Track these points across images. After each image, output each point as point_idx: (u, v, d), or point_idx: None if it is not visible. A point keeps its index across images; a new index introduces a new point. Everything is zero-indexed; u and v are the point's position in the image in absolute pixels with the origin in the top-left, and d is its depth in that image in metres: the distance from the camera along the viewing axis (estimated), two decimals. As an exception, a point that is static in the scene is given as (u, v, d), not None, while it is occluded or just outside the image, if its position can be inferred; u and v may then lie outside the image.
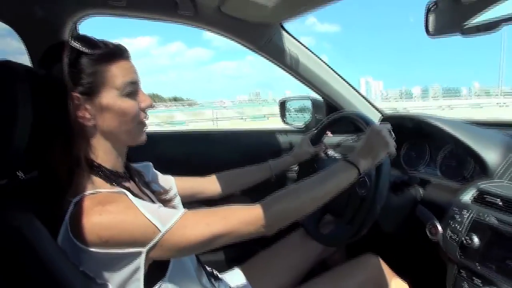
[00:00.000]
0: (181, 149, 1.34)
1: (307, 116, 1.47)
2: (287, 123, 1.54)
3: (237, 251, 1.20)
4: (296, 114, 1.55)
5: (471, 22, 0.64)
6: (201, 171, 1.05)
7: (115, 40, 0.70)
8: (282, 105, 1.54)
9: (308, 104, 1.43)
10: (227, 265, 1.07)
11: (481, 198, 0.79)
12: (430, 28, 0.72)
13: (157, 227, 0.60)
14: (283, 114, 1.54)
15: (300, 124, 1.50)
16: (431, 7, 0.71)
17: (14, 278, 0.56)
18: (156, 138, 1.25)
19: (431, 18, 0.72)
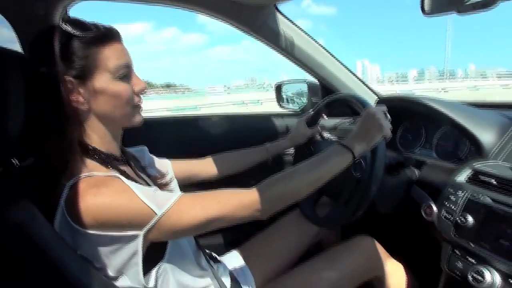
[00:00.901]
0: (176, 133, 1.34)
1: (303, 100, 1.47)
2: (283, 107, 1.53)
3: (234, 234, 1.21)
4: (292, 98, 1.54)
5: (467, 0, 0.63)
6: (197, 155, 1.05)
7: (107, 26, 0.68)
8: (278, 89, 1.53)
9: (304, 87, 1.42)
10: (225, 248, 1.08)
11: (476, 178, 0.80)
12: (426, 7, 0.71)
13: (153, 210, 0.60)
14: (279, 98, 1.53)
15: (296, 107, 1.49)
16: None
17: (13, 264, 0.56)
18: (151, 123, 1.24)
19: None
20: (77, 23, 0.65)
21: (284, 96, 1.53)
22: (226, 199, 0.68)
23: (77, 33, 0.63)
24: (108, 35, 0.67)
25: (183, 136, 1.34)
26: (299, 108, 1.47)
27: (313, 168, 0.77)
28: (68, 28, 0.63)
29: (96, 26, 0.66)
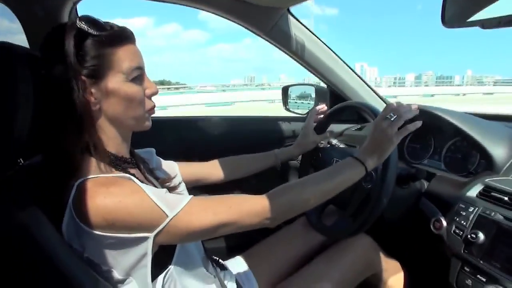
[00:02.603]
0: (182, 135, 1.32)
1: (310, 104, 1.45)
2: (289, 110, 1.51)
3: (237, 239, 1.20)
4: (299, 101, 1.52)
5: (492, 15, 0.62)
6: (203, 157, 1.04)
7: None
8: (285, 91, 1.51)
9: (311, 91, 1.41)
10: (228, 253, 1.07)
11: (487, 194, 0.79)
12: (447, 18, 0.69)
13: (164, 212, 0.59)
14: (285, 101, 1.51)
15: (302, 111, 1.48)
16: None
17: (17, 268, 0.54)
18: (157, 124, 1.22)
19: (449, 7, 0.69)
20: (93, 22, 0.63)
21: (290, 100, 1.51)
22: (237, 205, 0.67)
23: (92, 31, 0.62)
24: (123, 36, 0.66)
25: (188, 137, 1.32)
26: (306, 112, 1.45)
27: (325, 180, 0.76)
28: (84, 26, 0.62)
29: (111, 26, 0.65)
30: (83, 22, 0.62)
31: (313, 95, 1.40)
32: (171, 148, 1.00)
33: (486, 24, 0.62)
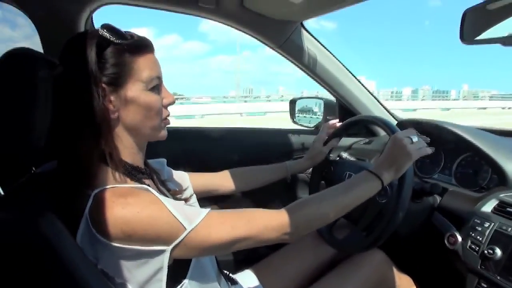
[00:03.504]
0: (191, 146, 1.31)
1: (312, 118, 1.46)
2: (296, 123, 1.51)
3: (246, 252, 1.18)
4: (301, 115, 1.53)
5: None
6: (211, 168, 1.03)
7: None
8: (292, 104, 1.52)
9: (320, 104, 1.42)
10: (236, 267, 1.05)
11: (503, 209, 0.79)
12: (465, 35, 0.70)
13: (182, 225, 0.58)
14: (292, 114, 1.51)
15: (310, 124, 1.48)
16: (468, 12, 0.69)
17: (34, 276, 0.53)
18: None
19: (467, 24, 0.70)
20: (114, 30, 0.63)
21: (297, 112, 1.51)
22: (256, 219, 0.66)
23: (114, 39, 0.62)
24: (143, 45, 0.66)
25: (196, 148, 1.32)
26: (314, 125, 1.46)
27: (342, 194, 0.76)
28: (106, 34, 0.62)
29: (131, 35, 0.66)
30: (105, 30, 0.62)
31: (316, 109, 1.41)
32: (180, 159, 0.99)
33: (508, 41, 0.62)
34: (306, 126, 1.49)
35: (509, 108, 30.20)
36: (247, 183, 1.05)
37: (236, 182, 1.03)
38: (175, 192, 0.81)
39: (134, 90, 0.64)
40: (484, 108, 28.65)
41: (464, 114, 21.31)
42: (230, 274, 0.93)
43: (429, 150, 0.80)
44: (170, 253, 0.59)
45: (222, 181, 1.02)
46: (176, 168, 0.95)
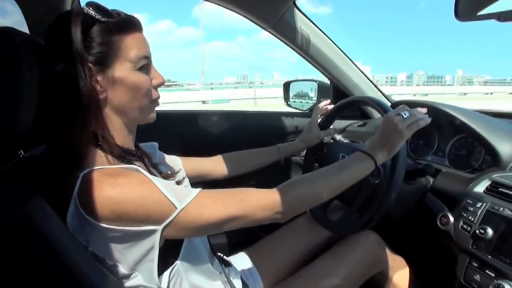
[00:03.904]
0: (183, 130, 1.30)
1: (308, 103, 1.44)
2: (290, 106, 1.50)
3: (240, 235, 1.19)
4: (297, 100, 1.51)
5: (509, 7, 0.61)
6: (204, 152, 1.02)
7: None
8: (286, 87, 1.49)
9: (314, 86, 1.40)
10: (230, 250, 1.05)
11: (495, 189, 0.79)
12: (460, 12, 0.68)
13: (173, 204, 0.58)
14: (286, 97, 1.50)
15: (304, 107, 1.47)
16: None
17: (22, 260, 0.52)
18: (158, 118, 1.20)
19: (462, 1, 0.68)
20: (100, 8, 0.61)
21: (292, 95, 1.50)
22: (248, 198, 0.66)
23: (100, 17, 0.60)
24: (131, 24, 0.64)
25: (187, 133, 1.30)
26: (308, 107, 1.44)
27: (335, 174, 0.75)
28: (92, 12, 0.60)
29: (118, 13, 0.63)
30: (90, 8, 0.60)
31: (311, 93, 1.39)
32: (172, 143, 0.97)
33: (503, 16, 0.60)
34: (300, 109, 1.48)
35: (491, 93, 30.37)
36: (240, 167, 1.04)
37: (229, 166, 1.02)
38: (167, 175, 0.80)
39: (121, 70, 0.62)
40: (465, 94, 28.84)
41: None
42: (224, 257, 0.93)
43: (422, 123, 0.79)
44: (161, 233, 0.59)
45: (214, 165, 1.01)
46: (168, 153, 0.93)
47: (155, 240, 0.59)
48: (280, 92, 1.54)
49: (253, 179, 1.06)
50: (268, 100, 17.38)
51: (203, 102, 17.88)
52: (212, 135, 1.32)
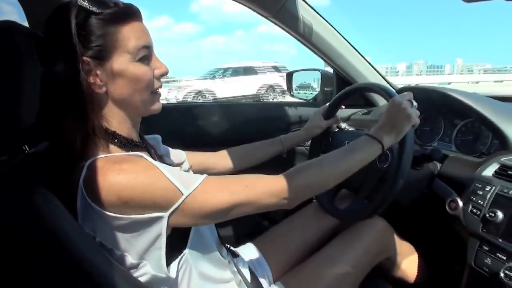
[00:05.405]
0: (185, 122, 1.29)
1: (312, 93, 1.44)
2: (293, 96, 1.49)
3: (247, 227, 1.19)
4: (301, 91, 1.50)
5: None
6: (206, 144, 1.01)
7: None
8: (289, 77, 1.48)
9: (317, 76, 1.39)
10: (237, 242, 1.05)
11: (504, 172, 0.78)
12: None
13: (179, 190, 0.57)
14: (289, 87, 1.49)
15: (307, 96, 1.46)
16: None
17: (31, 256, 0.52)
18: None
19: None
20: None
21: (295, 85, 1.49)
22: (254, 184, 0.65)
23: (95, 9, 0.58)
24: (128, 13, 0.62)
25: (189, 125, 1.30)
26: (311, 97, 1.44)
27: (342, 158, 0.74)
28: (85, 4, 0.57)
29: (115, 3, 0.61)
30: (84, 0, 0.58)
31: (314, 84, 1.38)
32: (175, 137, 0.97)
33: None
34: (303, 99, 1.47)
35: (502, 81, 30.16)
36: (244, 161, 1.03)
37: (233, 160, 1.01)
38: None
39: (120, 62, 0.61)
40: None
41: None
42: (232, 248, 0.93)
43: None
44: (168, 220, 0.58)
45: (218, 159, 1.01)
46: (171, 145, 0.93)
47: (162, 227, 0.58)
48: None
49: (257, 170, 1.06)
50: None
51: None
52: (215, 126, 1.31)
